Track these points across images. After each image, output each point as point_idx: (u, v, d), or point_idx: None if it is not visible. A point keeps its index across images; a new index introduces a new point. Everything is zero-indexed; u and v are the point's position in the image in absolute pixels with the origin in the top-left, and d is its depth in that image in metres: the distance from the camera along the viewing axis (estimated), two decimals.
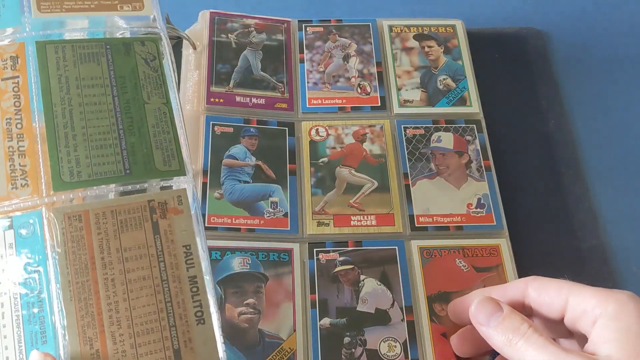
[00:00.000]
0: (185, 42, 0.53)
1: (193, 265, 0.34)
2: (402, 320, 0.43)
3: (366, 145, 0.50)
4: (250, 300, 0.43)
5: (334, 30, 0.56)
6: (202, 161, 0.48)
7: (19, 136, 0.35)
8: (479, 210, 0.47)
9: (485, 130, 0.51)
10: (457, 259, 0.45)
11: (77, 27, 0.38)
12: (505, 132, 0.53)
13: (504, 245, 0.46)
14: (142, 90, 0.37)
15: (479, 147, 0.50)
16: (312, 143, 0.50)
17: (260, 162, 0.48)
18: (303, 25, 0.56)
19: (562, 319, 0.36)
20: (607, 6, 0.62)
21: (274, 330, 0.42)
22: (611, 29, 0.60)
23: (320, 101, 0.52)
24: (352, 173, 0.49)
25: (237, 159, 0.48)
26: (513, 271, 0.44)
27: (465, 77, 0.53)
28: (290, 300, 0.43)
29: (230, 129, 0.49)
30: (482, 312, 0.36)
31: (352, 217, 0.47)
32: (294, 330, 0.42)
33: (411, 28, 0.56)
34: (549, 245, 0.48)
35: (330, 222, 0.46)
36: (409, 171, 0.49)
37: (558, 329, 0.37)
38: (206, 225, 0.45)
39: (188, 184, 0.35)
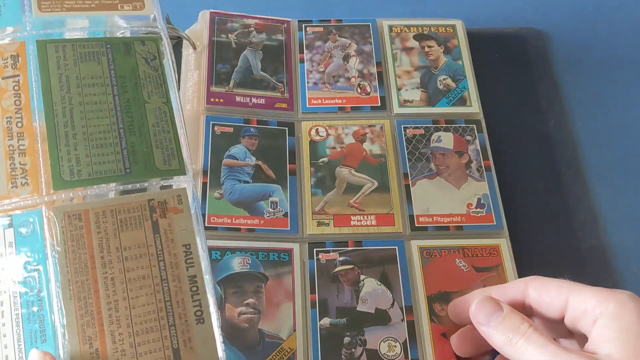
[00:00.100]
0: (185, 42, 0.53)
1: (193, 264, 0.34)
2: (402, 320, 0.43)
3: (366, 145, 0.50)
4: (250, 300, 0.43)
5: (334, 30, 0.56)
6: (202, 161, 0.48)
7: (19, 135, 0.35)
8: (479, 210, 0.47)
9: (485, 130, 0.51)
10: (457, 259, 0.45)
11: (77, 26, 0.38)
12: (505, 132, 0.53)
13: (504, 245, 0.46)
14: (143, 89, 0.37)
15: (479, 147, 0.50)
16: (312, 143, 0.50)
17: (260, 162, 0.48)
18: (303, 25, 0.56)
19: (563, 318, 0.36)
20: (607, 6, 0.62)
21: (274, 330, 0.42)
22: (611, 29, 0.60)
23: (320, 101, 0.52)
24: (352, 173, 0.49)
25: (237, 159, 0.48)
26: (513, 271, 0.44)
27: (465, 77, 0.53)
28: (290, 300, 0.43)
29: (230, 129, 0.49)
30: (482, 311, 0.36)
31: (352, 217, 0.47)
32: (294, 330, 0.42)
33: (411, 28, 0.56)
34: (549, 245, 0.48)
35: (330, 222, 0.46)
36: (409, 171, 0.49)
37: (558, 329, 0.37)
38: (206, 225, 0.45)
39: (188, 184, 0.35)
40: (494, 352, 0.38)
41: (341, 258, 0.45)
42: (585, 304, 0.34)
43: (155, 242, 0.34)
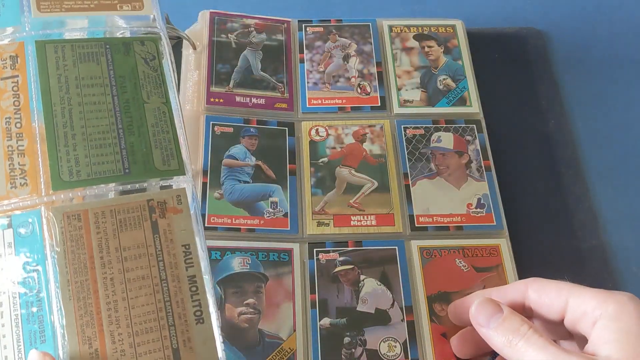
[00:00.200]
0: (185, 42, 0.53)
1: (192, 264, 0.34)
2: (402, 320, 0.43)
3: (366, 145, 0.50)
4: (250, 300, 0.43)
5: (334, 30, 0.56)
6: (202, 161, 0.48)
7: (18, 135, 0.35)
8: (479, 210, 0.47)
9: (485, 130, 0.51)
10: (457, 259, 0.45)
11: (76, 26, 0.38)
12: (505, 132, 0.53)
13: (504, 245, 0.46)
14: (142, 89, 0.37)
15: (479, 147, 0.50)
16: (312, 143, 0.50)
17: (260, 162, 0.48)
18: (303, 25, 0.56)
19: (562, 320, 0.36)
20: (607, 6, 0.62)
21: (274, 330, 0.42)
22: (611, 29, 0.60)
23: (320, 101, 0.52)
24: (352, 173, 0.49)
25: (237, 159, 0.48)
26: (513, 271, 0.44)
27: (465, 77, 0.53)
28: (290, 300, 0.43)
29: (230, 129, 0.49)
30: (482, 313, 0.36)
31: (352, 217, 0.47)
32: (294, 330, 0.42)
33: (411, 28, 0.56)
34: (549, 245, 0.48)
35: (330, 222, 0.46)
36: (409, 171, 0.49)
37: (558, 331, 0.37)
38: (206, 225, 0.45)
39: (187, 184, 0.35)
40: (494, 354, 0.38)
41: (341, 258, 0.45)
42: (585, 306, 0.34)
43: (155, 242, 0.34)
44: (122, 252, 0.33)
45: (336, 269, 0.44)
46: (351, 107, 0.52)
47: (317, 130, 0.51)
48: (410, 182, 0.48)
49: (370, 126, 0.51)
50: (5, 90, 0.36)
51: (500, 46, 0.58)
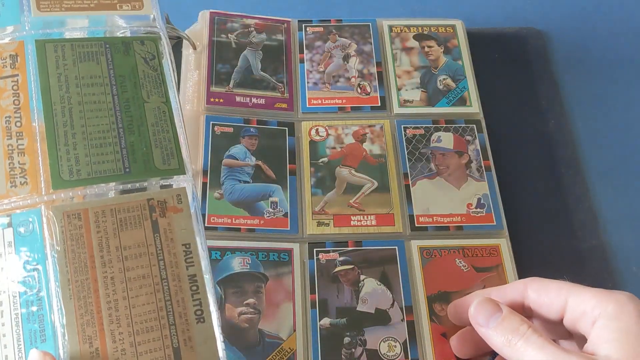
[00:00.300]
0: (185, 42, 0.53)
1: (193, 264, 0.34)
2: (402, 320, 0.43)
3: (366, 145, 0.50)
4: (250, 300, 0.43)
5: (334, 30, 0.56)
6: (202, 161, 0.48)
7: (18, 134, 0.35)
8: (479, 210, 0.47)
9: (485, 130, 0.51)
10: (457, 259, 0.45)
11: (77, 26, 0.38)
12: (505, 132, 0.53)
13: (504, 245, 0.46)
14: (142, 89, 0.37)
15: (479, 147, 0.50)
16: (312, 143, 0.50)
17: (260, 162, 0.48)
18: (303, 25, 0.56)
19: (562, 320, 0.36)
20: (607, 6, 0.62)
21: (274, 330, 0.42)
22: (611, 29, 0.60)
23: (320, 101, 0.52)
24: (352, 173, 0.49)
25: (237, 159, 0.48)
26: (513, 271, 0.44)
27: (465, 77, 0.53)
28: (290, 300, 0.43)
29: (230, 129, 0.49)
30: (482, 313, 0.36)
31: (352, 217, 0.47)
32: (294, 330, 0.42)
33: (411, 28, 0.56)
34: (549, 245, 0.48)
35: (330, 222, 0.46)
36: (409, 171, 0.49)
37: (557, 330, 0.37)
38: (206, 225, 0.45)
39: (187, 183, 0.35)
40: (494, 354, 0.38)
41: (341, 258, 0.45)
42: (584, 305, 0.34)
43: (155, 242, 0.34)
44: (123, 251, 0.33)
45: (336, 269, 0.44)
46: (351, 107, 0.52)
47: (317, 130, 0.51)
48: (410, 182, 0.48)
49: (370, 126, 0.51)
50: (5, 89, 0.36)
51: (500, 46, 0.58)
